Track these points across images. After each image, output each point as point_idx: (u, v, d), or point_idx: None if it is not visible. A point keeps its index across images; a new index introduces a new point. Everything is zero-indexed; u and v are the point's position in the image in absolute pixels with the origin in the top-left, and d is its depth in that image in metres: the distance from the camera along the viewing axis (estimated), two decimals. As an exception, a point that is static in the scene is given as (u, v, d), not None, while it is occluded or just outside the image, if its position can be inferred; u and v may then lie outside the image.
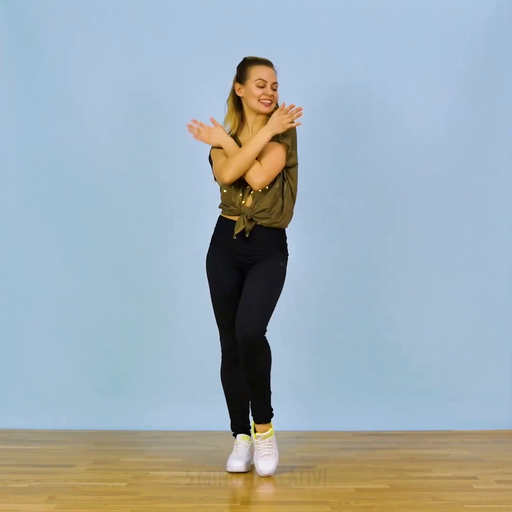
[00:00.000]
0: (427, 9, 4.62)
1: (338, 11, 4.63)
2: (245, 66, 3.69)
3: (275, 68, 3.69)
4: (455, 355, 4.66)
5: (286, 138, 3.63)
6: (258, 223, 3.62)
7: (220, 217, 3.74)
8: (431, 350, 4.66)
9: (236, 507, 3.25)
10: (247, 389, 3.66)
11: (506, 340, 4.68)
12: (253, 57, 3.70)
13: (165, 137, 4.67)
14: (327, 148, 4.68)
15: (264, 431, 3.64)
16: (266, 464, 3.61)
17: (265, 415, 3.65)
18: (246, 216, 3.61)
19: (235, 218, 3.65)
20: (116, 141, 4.67)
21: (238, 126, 3.73)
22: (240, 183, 3.64)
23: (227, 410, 3.82)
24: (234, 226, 3.63)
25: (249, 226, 3.61)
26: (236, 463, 3.69)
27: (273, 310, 3.62)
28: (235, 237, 3.62)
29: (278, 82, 3.68)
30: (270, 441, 3.65)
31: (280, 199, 3.65)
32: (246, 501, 3.34)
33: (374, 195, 4.69)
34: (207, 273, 3.74)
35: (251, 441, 3.76)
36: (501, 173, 4.68)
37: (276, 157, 3.61)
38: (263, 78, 3.63)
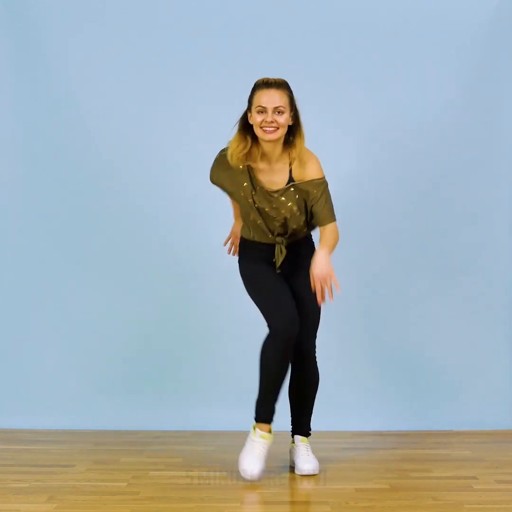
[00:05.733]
0: (427, 9, 4.63)
1: (338, 10, 4.64)
2: (251, 93, 3.47)
3: (287, 90, 3.44)
4: (455, 355, 4.66)
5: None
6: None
7: (246, 239, 3.69)
8: (431, 350, 4.66)
9: (236, 507, 3.25)
10: (295, 403, 3.75)
11: (506, 340, 4.68)
12: (261, 80, 3.45)
13: (166, 136, 4.67)
14: (326, 148, 4.67)
15: (303, 440, 3.75)
16: (309, 463, 3.64)
17: (307, 429, 3.78)
18: (283, 245, 3.59)
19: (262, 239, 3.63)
20: (116, 141, 4.67)
21: (250, 153, 3.50)
22: (267, 224, 3.59)
23: (258, 392, 3.59)
24: (262, 246, 3.62)
25: (282, 256, 3.60)
26: (254, 465, 3.50)
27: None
28: (278, 270, 3.60)
29: (288, 104, 3.42)
30: (308, 446, 3.73)
31: (304, 220, 3.61)
32: (246, 501, 3.34)
33: (373, 194, 4.69)
34: (244, 266, 3.65)
35: (269, 442, 3.59)
36: (501, 173, 4.69)
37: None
38: (262, 104, 3.40)
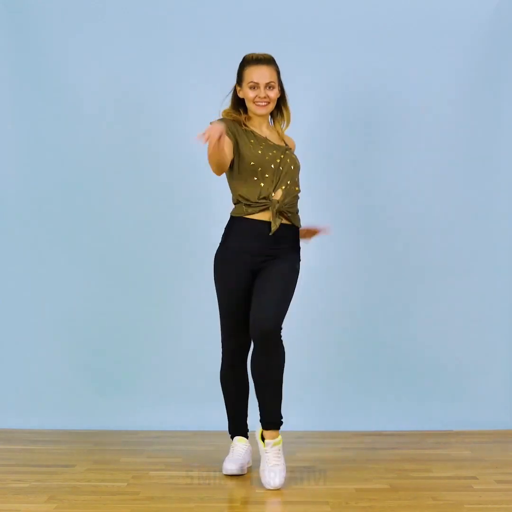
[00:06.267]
0: (427, 9, 4.63)
1: (338, 10, 4.64)
2: (241, 68, 3.63)
3: (274, 65, 3.61)
4: (455, 355, 4.66)
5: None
6: (284, 220, 3.59)
7: (237, 218, 3.61)
8: (431, 350, 4.66)
9: (236, 507, 3.25)
10: (259, 390, 3.55)
11: (506, 340, 4.68)
12: (250, 56, 3.62)
13: (166, 135, 4.67)
14: (326, 148, 4.68)
15: (274, 438, 3.54)
16: (274, 476, 3.44)
17: (275, 420, 3.56)
18: (276, 210, 3.54)
19: (257, 216, 3.58)
20: (116, 141, 4.67)
21: (246, 119, 3.66)
22: (274, 178, 3.58)
23: (226, 414, 3.80)
24: (255, 225, 3.56)
25: (277, 223, 3.56)
26: (231, 466, 3.66)
27: (287, 309, 3.58)
28: (271, 234, 3.55)
29: (277, 79, 3.59)
30: (279, 450, 3.54)
31: (296, 195, 3.66)
32: (246, 501, 3.34)
33: (373, 194, 4.69)
34: (217, 273, 3.63)
35: (247, 445, 3.75)
36: (501, 173, 4.69)
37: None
38: (254, 80, 3.56)
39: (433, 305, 4.68)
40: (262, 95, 3.58)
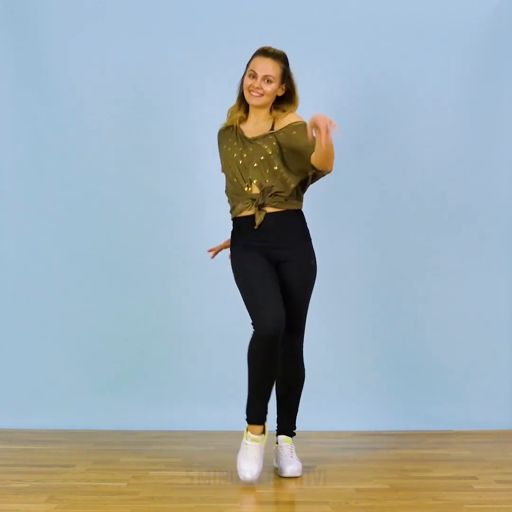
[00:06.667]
0: (426, 9, 4.62)
1: (338, 11, 4.64)
2: (251, 58, 3.65)
3: (282, 62, 3.60)
4: (455, 355, 4.66)
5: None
6: (272, 208, 3.58)
7: (233, 220, 3.68)
8: (431, 350, 4.66)
9: (236, 507, 3.25)
10: (281, 397, 3.71)
11: (506, 340, 4.68)
12: (262, 48, 3.64)
13: (167, 135, 4.67)
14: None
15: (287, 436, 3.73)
16: (294, 464, 3.62)
17: (291, 429, 3.75)
18: (256, 202, 3.57)
19: (246, 213, 3.61)
20: (117, 141, 4.67)
21: (243, 117, 3.69)
22: (242, 174, 3.61)
23: (248, 393, 3.56)
24: (248, 222, 3.59)
25: (261, 215, 3.57)
26: (251, 467, 3.49)
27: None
28: (256, 228, 3.57)
29: (279, 75, 3.58)
30: (292, 446, 3.71)
31: (287, 179, 3.61)
32: (246, 501, 3.34)
33: (374, 194, 4.69)
34: (234, 266, 3.63)
35: (262, 443, 3.59)
36: (501, 173, 4.68)
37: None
38: (254, 69, 3.59)
39: (433, 305, 4.68)
40: (257, 85, 3.58)
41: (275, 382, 3.60)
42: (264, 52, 3.62)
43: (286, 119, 3.62)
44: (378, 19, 4.63)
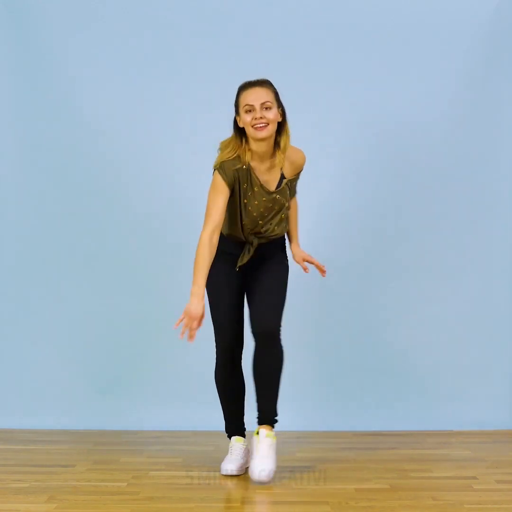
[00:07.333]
0: (427, 9, 4.63)
1: (337, 11, 4.64)
2: (237, 97, 3.48)
3: (271, 86, 3.45)
4: (455, 355, 4.66)
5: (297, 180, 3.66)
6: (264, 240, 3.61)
7: (223, 233, 3.61)
8: (431, 350, 4.66)
9: (236, 507, 3.25)
10: (259, 388, 3.57)
11: (506, 340, 4.68)
12: (243, 84, 3.47)
13: (166, 135, 4.67)
14: (326, 149, 4.67)
15: (268, 430, 3.55)
16: (263, 468, 3.45)
17: (271, 417, 3.57)
18: (252, 246, 3.57)
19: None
20: (116, 141, 4.67)
21: (248, 155, 3.49)
22: (259, 221, 3.56)
23: (223, 414, 3.76)
24: (236, 244, 3.59)
25: (249, 255, 3.59)
26: (229, 466, 3.64)
27: (284, 308, 3.64)
28: (237, 269, 3.59)
29: (274, 99, 3.43)
30: (271, 444, 3.52)
31: (285, 221, 3.64)
32: (246, 501, 3.34)
33: (373, 194, 4.69)
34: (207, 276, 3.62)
35: (245, 444, 3.72)
36: (501, 173, 4.69)
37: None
38: (249, 102, 3.40)
39: (433, 305, 4.68)
40: (258, 115, 3.39)
41: (253, 367, 3.58)
42: (249, 84, 3.46)
43: (291, 157, 3.54)
44: (377, 19, 4.63)
